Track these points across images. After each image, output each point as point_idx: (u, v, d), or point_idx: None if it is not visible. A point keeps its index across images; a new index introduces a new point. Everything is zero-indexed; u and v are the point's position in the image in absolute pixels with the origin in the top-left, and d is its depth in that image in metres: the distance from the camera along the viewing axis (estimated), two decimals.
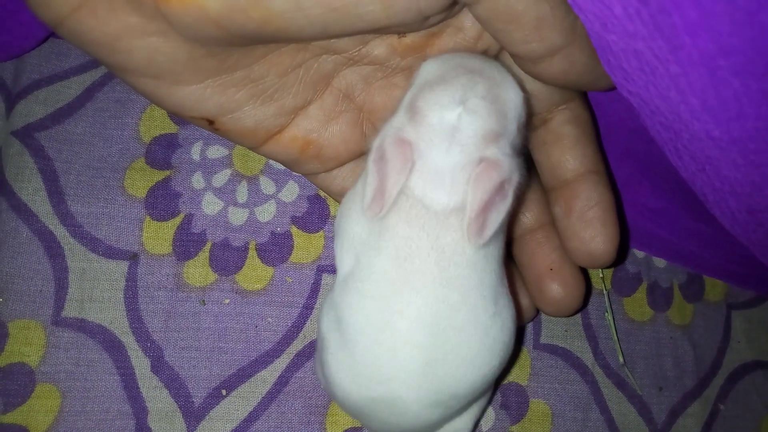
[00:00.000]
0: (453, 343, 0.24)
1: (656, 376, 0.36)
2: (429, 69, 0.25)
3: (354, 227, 0.26)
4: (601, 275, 0.36)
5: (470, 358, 0.25)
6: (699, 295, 0.39)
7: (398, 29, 0.25)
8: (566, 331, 0.36)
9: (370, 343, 0.25)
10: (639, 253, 0.38)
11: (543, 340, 0.35)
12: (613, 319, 0.36)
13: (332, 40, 0.26)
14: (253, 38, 0.24)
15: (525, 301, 0.31)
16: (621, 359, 0.36)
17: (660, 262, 0.38)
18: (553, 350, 0.35)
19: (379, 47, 0.27)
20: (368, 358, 0.25)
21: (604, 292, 0.36)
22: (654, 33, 0.20)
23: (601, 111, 0.32)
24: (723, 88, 0.20)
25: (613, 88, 0.27)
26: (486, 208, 0.23)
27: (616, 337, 0.36)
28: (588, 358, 0.36)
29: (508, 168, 0.23)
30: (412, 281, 0.24)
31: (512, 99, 0.25)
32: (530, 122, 0.28)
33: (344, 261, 0.26)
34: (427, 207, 0.23)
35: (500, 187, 0.23)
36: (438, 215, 0.23)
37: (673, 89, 0.21)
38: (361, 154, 0.30)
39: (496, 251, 0.26)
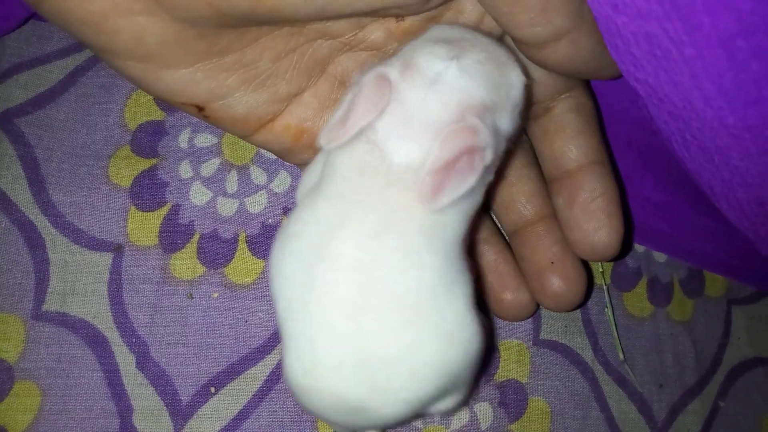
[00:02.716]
0: (387, 318, 0.22)
1: (656, 372, 0.36)
2: (435, 31, 0.24)
3: (310, 178, 0.24)
4: (600, 269, 0.36)
5: (412, 342, 0.22)
6: (699, 290, 0.38)
7: (398, 11, 0.24)
8: (566, 326, 0.35)
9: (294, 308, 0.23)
10: (639, 248, 0.37)
11: (543, 336, 0.34)
12: (613, 314, 0.35)
13: (328, 24, 0.25)
14: (246, 18, 0.23)
15: (525, 296, 0.30)
16: (621, 356, 0.35)
17: (660, 257, 0.38)
18: (553, 346, 0.34)
19: (376, 32, 0.26)
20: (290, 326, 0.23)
21: (604, 287, 0.36)
22: (670, 12, 0.19)
23: (603, 101, 0.32)
24: (741, 71, 0.19)
25: (618, 76, 0.26)
26: (448, 169, 0.21)
27: (616, 333, 0.35)
28: (588, 354, 0.35)
29: (484, 138, 0.22)
30: (347, 233, 0.22)
31: (513, 79, 0.24)
32: (528, 112, 0.27)
33: None
34: (384, 155, 0.22)
35: (470, 153, 0.21)
36: (394, 168, 0.22)
37: (686, 74, 0.21)
38: None
39: (453, 227, 0.23)
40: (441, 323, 0.22)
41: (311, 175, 0.25)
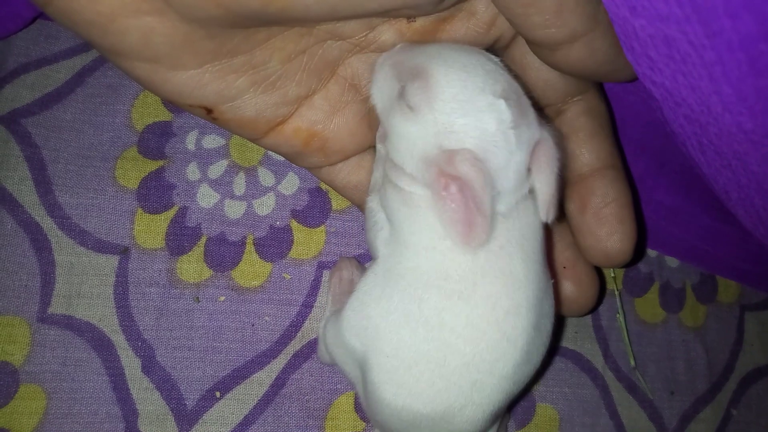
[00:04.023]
0: (539, 336, 0.25)
1: (668, 379, 0.36)
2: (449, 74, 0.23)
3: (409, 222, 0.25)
4: (612, 275, 0.35)
5: (542, 352, 0.25)
6: (712, 296, 0.38)
7: (410, 12, 0.24)
8: (576, 332, 0.34)
9: (462, 348, 0.23)
10: (651, 252, 0.37)
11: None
12: (625, 320, 0.35)
13: (338, 24, 0.25)
14: (255, 19, 0.22)
15: None
16: (632, 362, 0.35)
17: (672, 262, 0.37)
18: (562, 353, 0.34)
19: (386, 33, 0.26)
20: (455, 364, 0.23)
21: (616, 292, 0.35)
22: (691, 16, 0.18)
23: (616, 103, 0.31)
24: (762, 76, 0.19)
25: (633, 79, 0.25)
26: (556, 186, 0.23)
27: (627, 340, 0.35)
28: (598, 361, 0.34)
29: (554, 145, 0.23)
30: (504, 276, 0.23)
31: (496, 62, 0.24)
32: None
33: (384, 251, 0.26)
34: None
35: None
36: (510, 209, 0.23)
37: (705, 78, 0.20)
38: (367, 148, 0.29)
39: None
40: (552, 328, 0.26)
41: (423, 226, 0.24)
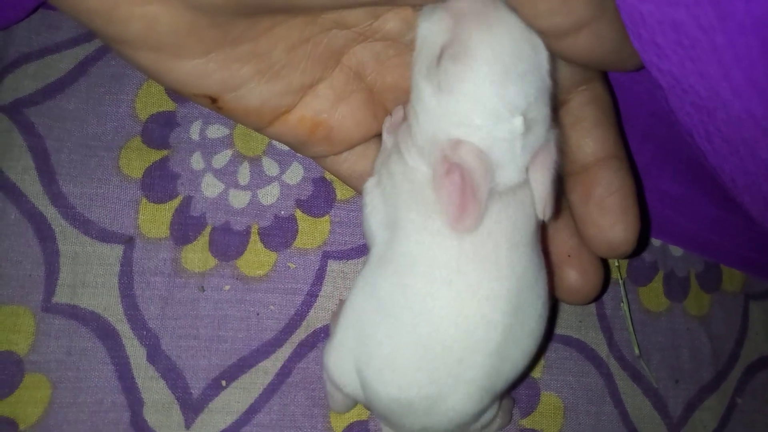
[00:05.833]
0: (523, 321, 0.25)
1: (672, 368, 0.36)
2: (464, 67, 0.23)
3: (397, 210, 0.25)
4: (616, 264, 0.35)
5: (532, 336, 0.25)
6: (716, 284, 0.38)
7: (415, 0, 0.24)
8: (581, 321, 0.34)
9: (445, 330, 0.24)
10: (655, 242, 0.37)
11: (557, 330, 0.34)
12: (629, 309, 0.35)
13: (343, 13, 0.25)
14: (260, 6, 0.22)
15: None
16: (636, 351, 0.35)
17: (677, 251, 0.37)
18: (567, 341, 0.34)
19: (391, 21, 0.26)
20: (440, 346, 0.24)
21: (620, 281, 0.35)
22: None
23: (620, 93, 0.31)
24: None
25: (640, 68, 0.25)
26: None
27: (631, 328, 0.35)
28: (603, 349, 0.34)
29: (555, 149, 0.24)
30: (487, 263, 0.24)
31: (543, 58, 0.24)
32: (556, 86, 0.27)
33: (378, 236, 0.26)
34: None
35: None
36: (503, 194, 0.24)
37: (714, 63, 0.20)
38: (372, 137, 0.29)
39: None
40: (544, 317, 0.26)
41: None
